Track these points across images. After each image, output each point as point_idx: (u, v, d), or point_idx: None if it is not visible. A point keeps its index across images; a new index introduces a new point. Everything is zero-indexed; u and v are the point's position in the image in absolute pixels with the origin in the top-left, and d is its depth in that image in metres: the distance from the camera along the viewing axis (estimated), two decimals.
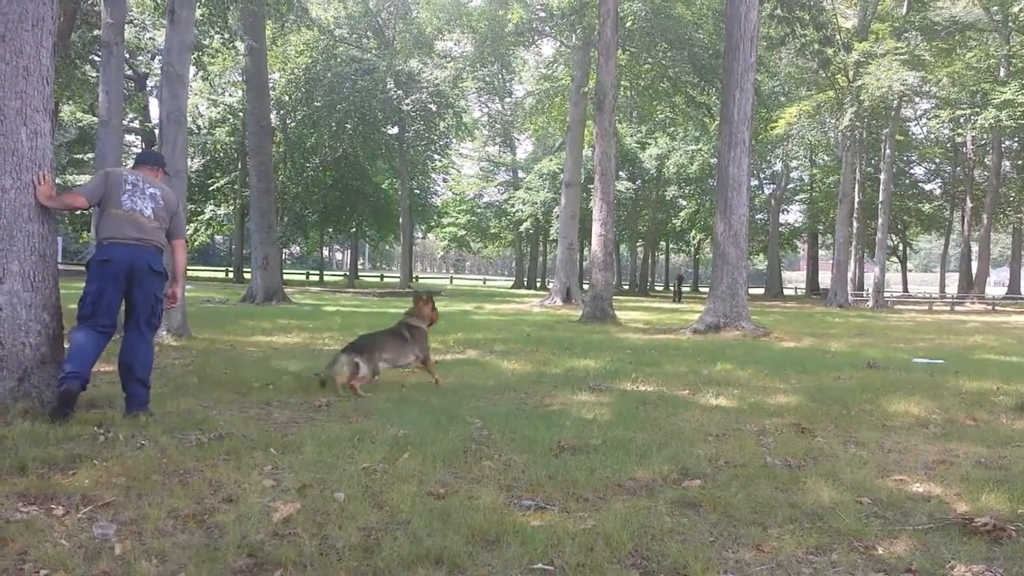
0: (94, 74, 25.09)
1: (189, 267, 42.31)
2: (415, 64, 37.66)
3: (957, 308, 37.94)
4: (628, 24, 29.88)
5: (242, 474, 4.10)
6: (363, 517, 3.48)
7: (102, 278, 5.42)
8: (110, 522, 3.32)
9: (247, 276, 36.69)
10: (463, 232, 62.85)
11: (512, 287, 60.25)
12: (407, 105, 38.31)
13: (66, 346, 5.66)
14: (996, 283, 65.95)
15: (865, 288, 44.57)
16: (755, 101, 20.35)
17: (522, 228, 54.32)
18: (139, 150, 48.49)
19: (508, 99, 52.89)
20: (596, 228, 20.58)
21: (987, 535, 3.45)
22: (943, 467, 4.82)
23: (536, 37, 35.39)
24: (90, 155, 38.79)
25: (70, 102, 33.85)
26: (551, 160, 50.00)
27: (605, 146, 20.47)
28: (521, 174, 58.49)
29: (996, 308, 37.67)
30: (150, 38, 36.59)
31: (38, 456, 4.21)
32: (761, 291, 56.09)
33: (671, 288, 42.62)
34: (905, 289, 60.77)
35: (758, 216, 54.10)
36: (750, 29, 16.59)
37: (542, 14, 33.07)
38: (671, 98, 36.03)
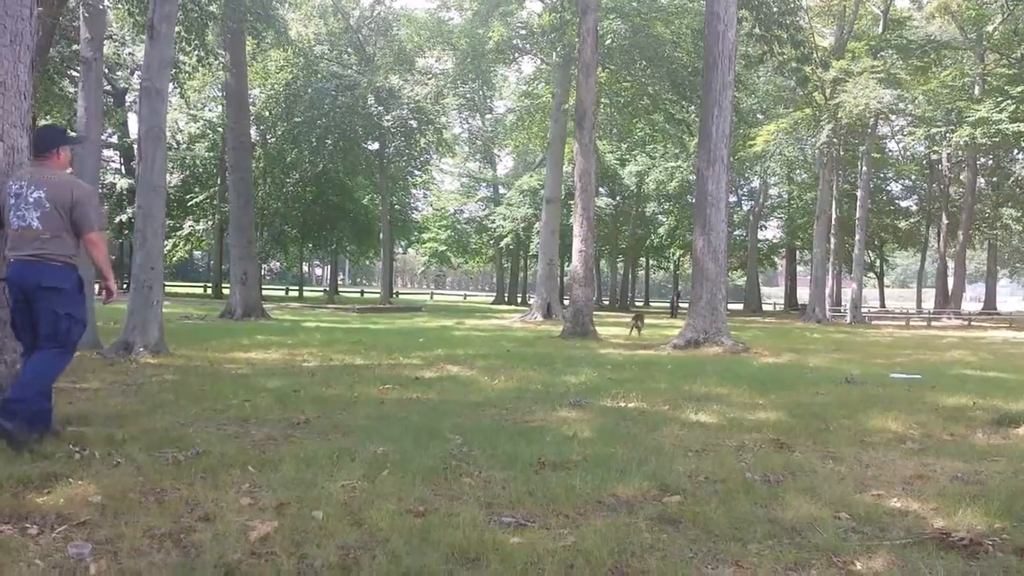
0: (72, 89, 24.98)
1: (167, 283, 42.04)
2: (396, 80, 37.71)
3: (934, 323, 38.25)
4: (608, 42, 30.07)
5: (219, 492, 4.07)
6: (341, 535, 3.46)
7: (9, 299, 5.19)
8: (85, 541, 3.28)
9: (226, 292, 36.46)
10: (444, 248, 62.80)
11: (493, 303, 60.24)
12: (388, 121, 38.31)
13: None
14: (972, 299, 66.63)
15: (843, 303, 44.82)
16: (733, 119, 20.51)
17: (502, 244, 54.37)
18: (117, 166, 48.22)
19: (489, 116, 53.09)
20: (576, 244, 20.63)
21: (964, 550, 3.47)
22: (920, 482, 4.85)
23: (517, 55, 35.57)
24: (68, 170, 38.38)
25: (48, 117, 33.63)
26: (531, 176, 50.10)
27: (585, 162, 20.56)
28: (502, 190, 58.59)
29: (972, 323, 38.01)
30: (129, 53, 36.51)
31: (12, 474, 4.16)
32: (740, 307, 56.35)
33: (669, 303, 42.75)
34: (882, 305, 61.19)
35: (737, 232, 54.38)
36: (728, 47, 16.73)
37: (523, 32, 33.23)
38: (650, 115, 36.25)
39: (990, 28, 37.63)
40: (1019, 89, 33.29)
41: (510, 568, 3.12)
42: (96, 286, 13.20)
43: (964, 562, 3.37)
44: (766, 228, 61.70)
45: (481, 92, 45.80)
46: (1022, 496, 4.36)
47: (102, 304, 5.92)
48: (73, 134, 6.04)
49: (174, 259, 51.00)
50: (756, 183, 56.55)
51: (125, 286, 43.58)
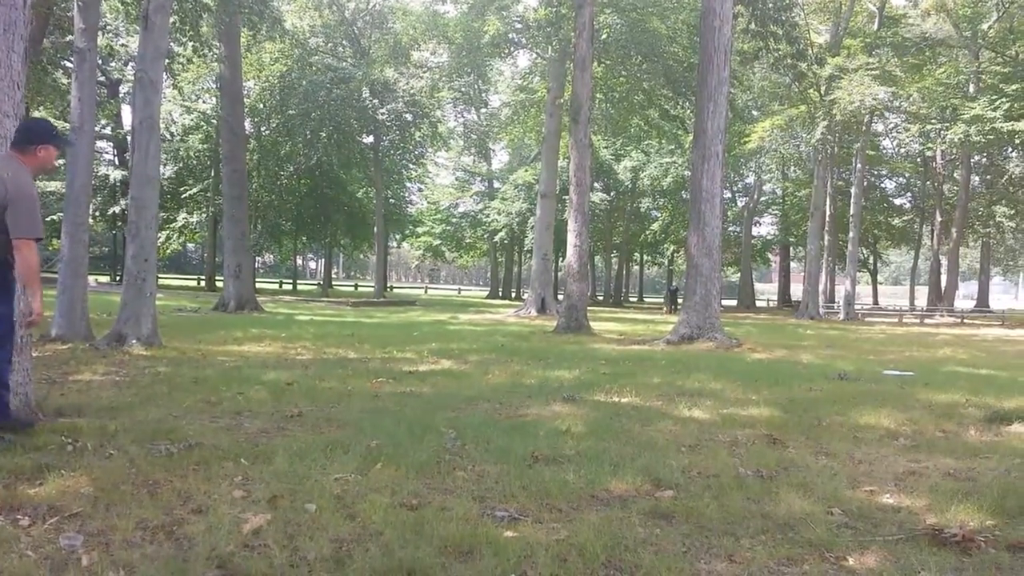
0: (66, 80, 24.87)
1: (161, 275, 41.94)
2: (391, 73, 37.61)
3: (927, 321, 38.33)
4: (604, 37, 30.04)
5: (212, 485, 4.06)
6: (335, 528, 3.46)
7: None
8: (77, 533, 3.28)
9: (219, 284, 36.42)
10: (438, 242, 62.75)
11: (487, 297, 60.19)
12: (382, 114, 38.21)
13: (35, 354, 5.57)
14: (965, 296, 66.76)
15: (836, 300, 44.94)
16: (729, 115, 20.50)
17: (497, 238, 54.31)
18: (110, 157, 48.09)
19: (484, 109, 52.94)
20: (571, 239, 20.63)
21: (956, 546, 3.48)
22: (913, 478, 4.86)
23: (512, 49, 35.46)
24: (61, 161, 38.29)
25: (41, 108, 33.50)
26: (526, 171, 50.03)
27: (580, 157, 20.54)
28: (496, 184, 58.53)
29: (965, 321, 38.09)
30: (123, 44, 36.30)
31: (4, 465, 4.16)
32: (734, 303, 56.41)
33: (665, 299, 42.77)
34: (875, 301, 61.31)
35: (731, 228, 54.38)
36: (724, 43, 16.71)
37: (518, 26, 33.16)
38: (645, 111, 36.19)
39: (985, 26, 37.67)
40: (1014, 87, 33.31)
41: (503, 562, 3.13)
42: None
43: (956, 558, 3.39)
44: (760, 224, 61.82)
45: (476, 86, 45.70)
46: (1014, 493, 4.37)
47: (24, 328, 5.18)
48: (64, 134, 5.23)
49: (168, 251, 50.84)
50: (751, 179, 56.61)
51: (118, 278, 43.38)
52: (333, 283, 64.70)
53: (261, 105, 41.04)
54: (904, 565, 3.29)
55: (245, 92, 31.81)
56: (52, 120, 34.30)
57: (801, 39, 27.23)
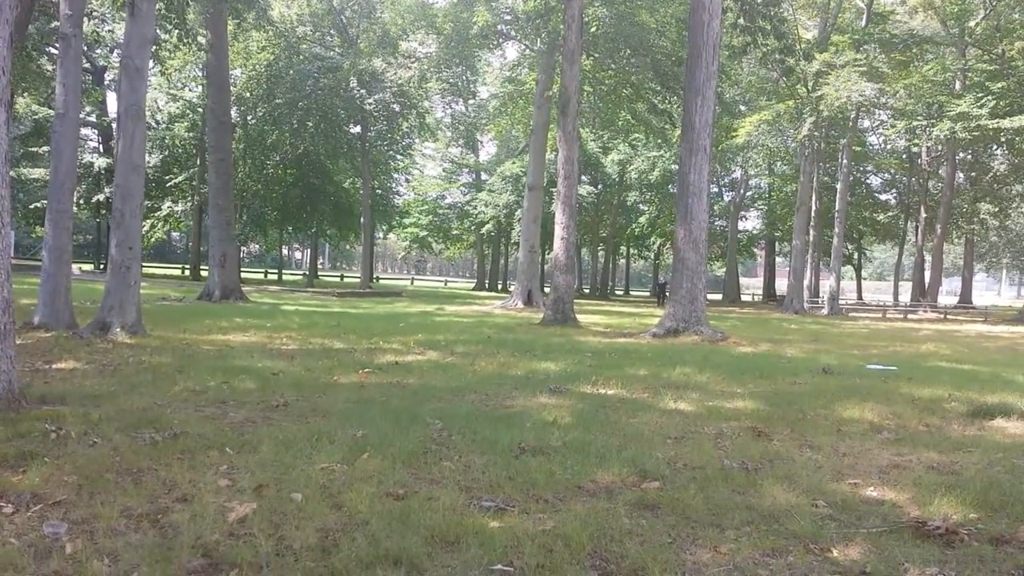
0: (51, 66, 24.66)
1: (145, 264, 41.69)
2: (379, 63, 37.46)
3: (910, 316, 38.55)
4: (593, 30, 30.01)
5: (197, 473, 4.04)
6: (321, 517, 3.45)
7: None
8: (61, 521, 3.26)
9: (204, 274, 36.22)
10: (425, 233, 62.58)
11: (473, 289, 60.13)
12: (370, 104, 38.05)
13: (18, 341, 5.52)
14: (948, 292, 67.23)
15: (820, 295, 45.12)
16: (716, 109, 20.51)
17: (484, 230, 54.23)
18: (95, 144, 47.79)
19: (472, 101, 52.82)
20: (558, 231, 20.62)
21: (940, 539, 3.51)
22: (896, 471, 4.89)
23: (501, 40, 35.39)
24: (45, 148, 38.01)
25: (26, 94, 33.22)
26: (514, 163, 49.97)
27: (568, 150, 20.52)
28: (484, 176, 58.42)
29: (948, 316, 38.36)
30: (109, 31, 36.04)
31: None
32: (719, 297, 56.57)
33: (655, 292, 42.86)
34: (860, 297, 61.63)
35: (717, 223, 54.56)
36: (712, 37, 16.72)
37: (507, 17, 33.07)
38: (633, 104, 36.21)
39: (972, 24, 37.83)
40: (1000, 85, 33.53)
41: (489, 552, 3.13)
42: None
43: (940, 551, 3.41)
44: (746, 219, 61.96)
45: (464, 77, 45.59)
46: (996, 486, 4.41)
47: None
48: None
49: (152, 240, 50.47)
50: (737, 174, 56.74)
51: (102, 266, 43.08)
52: (319, 273, 64.47)
53: (248, 94, 40.79)
54: (888, 557, 3.31)
55: (232, 80, 31.63)
56: (36, 107, 33.85)
57: (789, 35, 27.29)
